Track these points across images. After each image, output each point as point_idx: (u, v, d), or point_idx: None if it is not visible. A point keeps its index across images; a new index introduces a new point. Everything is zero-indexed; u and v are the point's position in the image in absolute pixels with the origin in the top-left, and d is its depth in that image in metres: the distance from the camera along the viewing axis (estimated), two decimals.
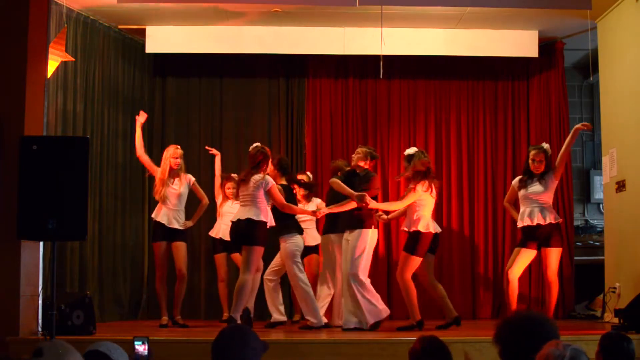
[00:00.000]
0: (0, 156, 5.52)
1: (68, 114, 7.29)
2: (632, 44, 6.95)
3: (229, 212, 7.47)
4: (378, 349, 5.38)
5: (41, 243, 5.66)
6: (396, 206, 6.83)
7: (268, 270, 7.07)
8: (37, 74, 5.75)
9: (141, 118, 7.10)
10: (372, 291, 6.46)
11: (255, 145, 6.64)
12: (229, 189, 7.53)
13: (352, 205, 6.46)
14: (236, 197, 7.54)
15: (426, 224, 6.45)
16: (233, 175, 7.63)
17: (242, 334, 2.74)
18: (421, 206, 6.49)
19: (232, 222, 6.50)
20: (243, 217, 6.35)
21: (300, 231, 6.78)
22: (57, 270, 5.36)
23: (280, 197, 6.50)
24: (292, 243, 6.68)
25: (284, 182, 6.84)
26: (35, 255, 5.62)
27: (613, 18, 7.31)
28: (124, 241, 8.10)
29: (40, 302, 5.59)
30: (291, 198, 6.84)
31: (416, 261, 6.45)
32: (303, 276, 6.66)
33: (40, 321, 5.53)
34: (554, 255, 6.50)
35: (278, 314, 7.05)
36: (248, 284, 6.37)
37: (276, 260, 7.09)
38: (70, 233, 5.11)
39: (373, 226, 6.52)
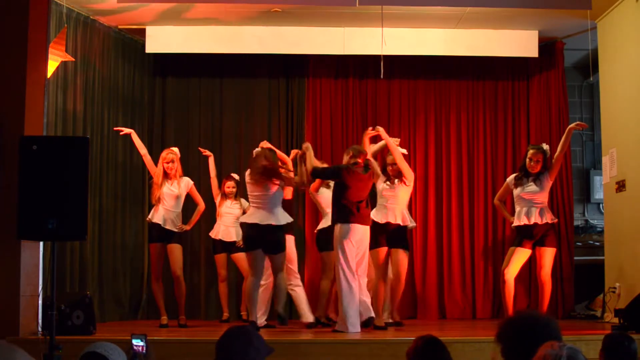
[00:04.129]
0: (0, 156, 5.52)
1: (68, 114, 7.29)
2: (632, 44, 6.95)
3: (229, 212, 7.46)
4: (378, 349, 5.38)
5: (41, 243, 5.66)
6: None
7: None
8: (37, 74, 5.75)
9: (123, 130, 7.19)
10: None
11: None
12: (228, 187, 7.51)
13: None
14: (236, 196, 7.54)
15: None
16: (233, 174, 7.62)
17: (246, 334, 2.75)
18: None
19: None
20: None
21: None
22: (57, 270, 5.34)
23: None
24: None
25: None
26: (35, 255, 5.62)
27: (613, 18, 7.31)
28: (123, 241, 8.09)
29: (40, 302, 5.59)
30: None
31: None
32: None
33: (40, 321, 5.52)
34: (548, 255, 6.50)
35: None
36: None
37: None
38: (70, 233, 5.09)
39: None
